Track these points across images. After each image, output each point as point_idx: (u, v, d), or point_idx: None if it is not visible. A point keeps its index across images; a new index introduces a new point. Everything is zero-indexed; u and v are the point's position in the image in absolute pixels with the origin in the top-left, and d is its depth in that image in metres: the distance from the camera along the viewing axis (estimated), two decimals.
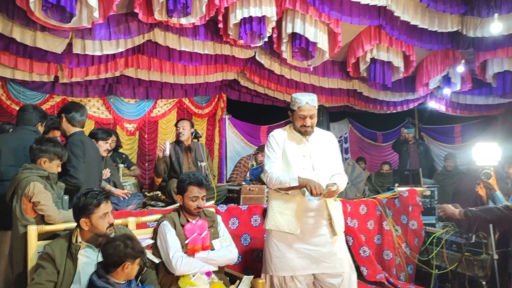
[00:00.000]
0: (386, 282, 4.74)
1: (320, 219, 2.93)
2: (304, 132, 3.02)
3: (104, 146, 4.54)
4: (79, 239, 2.44)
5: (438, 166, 9.20)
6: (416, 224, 5.43)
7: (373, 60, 6.47)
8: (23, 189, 2.78)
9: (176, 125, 4.93)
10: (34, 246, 2.52)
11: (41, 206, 2.78)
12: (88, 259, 2.44)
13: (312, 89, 7.46)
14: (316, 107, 3.05)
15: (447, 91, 7.43)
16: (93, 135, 4.48)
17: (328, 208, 2.93)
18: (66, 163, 3.22)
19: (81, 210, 2.40)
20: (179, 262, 2.64)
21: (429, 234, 5.48)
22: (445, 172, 7.29)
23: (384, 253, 5.04)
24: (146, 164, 7.94)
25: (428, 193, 5.98)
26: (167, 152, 4.46)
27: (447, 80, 7.19)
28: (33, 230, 2.54)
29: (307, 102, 2.97)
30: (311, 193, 2.73)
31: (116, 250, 2.19)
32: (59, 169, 3.07)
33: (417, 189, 5.77)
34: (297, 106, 2.99)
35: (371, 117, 10.09)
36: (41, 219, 2.83)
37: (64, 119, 3.42)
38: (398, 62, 6.41)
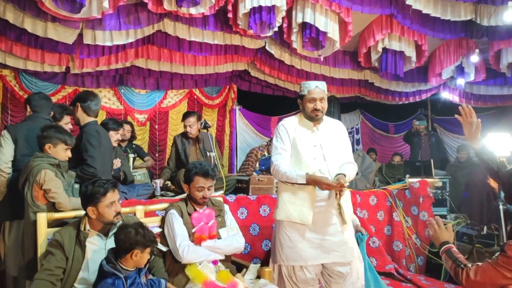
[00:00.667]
0: (395, 273, 4.73)
1: (330, 208, 2.91)
2: (315, 117, 2.96)
3: (114, 137, 4.60)
4: (87, 227, 2.47)
5: (451, 157, 9.11)
6: (427, 215, 5.39)
7: (385, 50, 6.39)
8: (34, 177, 2.83)
9: (183, 120, 4.94)
10: (43, 233, 2.55)
11: (52, 194, 2.82)
12: (97, 246, 2.47)
13: (323, 79, 7.40)
14: (326, 92, 3.02)
15: (460, 81, 7.31)
16: (104, 125, 4.53)
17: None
18: (83, 153, 3.28)
19: (88, 198, 2.43)
20: (186, 251, 2.65)
21: None
22: (457, 164, 7.22)
23: (394, 244, 5.02)
24: (157, 155, 8.00)
25: (439, 184, 5.94)
26: (158, 192, 4.46)
27: (460, 70, 7.08)
28: (42, 217, 2.57)
29: (317, 86, 2.96)
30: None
31: (127, 237, 2.20)
32: (68, 154, 3.10)
33: (429, 180, 5.72)
34: (307, 90, 2.96)
35: (383, 108, 10.00)
36: (52, 206, 2.88)
37: (79, 108, 3.45)
38: (410, 51, 6.32)
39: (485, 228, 4.87)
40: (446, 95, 8.57)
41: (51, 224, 2.66)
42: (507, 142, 4.37)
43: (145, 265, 2.35)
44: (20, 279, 2.99)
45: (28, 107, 3.60)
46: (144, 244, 2.23)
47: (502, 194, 4.74)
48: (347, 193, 3.03)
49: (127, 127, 5.63)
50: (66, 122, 3.82)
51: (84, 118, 3.47)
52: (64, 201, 2.86)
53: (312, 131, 3.01)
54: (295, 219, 2.85)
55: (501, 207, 4.39)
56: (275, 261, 3.01)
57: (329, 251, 2.89)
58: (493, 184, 4.59)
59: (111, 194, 2.44)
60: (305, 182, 2.78)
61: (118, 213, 2.49)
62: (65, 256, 2.37)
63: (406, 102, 8.86)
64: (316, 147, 2.96)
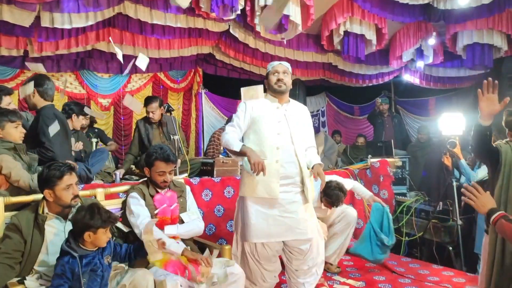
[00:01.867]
0: None
1: (294, 186, 2.98)
2: (278, 88, 3.03)
3: (81, 121, 4.58)
4: (46, 210, 2.47)
5: (413, 138, 9.39)
6: (387, 193, 5.59)
7: (346, 33, 6.48)
8: None
9: (145, 106, 4.88)
10: (1, 217, 2.52)
11: (14, 177, 2.82)
12: (55, 229, 2.47)
13: (287, 62, 7.44)
14: (290, 71, 3.13)
15: (420, 64, 7.50)
16: (70, 110, 4.48)
17: (302, 175, 3.00)
18: (40, 136, 3.27)
19: (44, 181, 2.42)
20: None
21: (399, 203, 5.65)
22: (418, 144, 7.46)
23: (356, 222, 5.17)
24: (122, 139, 7.91)
25: (399, 163, 6.14)
26: (117, 181, 4.44)
27: (420, 53, 7.25)
28: None
29: (280, 63, 3.14)
30: (253, 170, 2.72)
31: (79, 219, 2.22)
32: (21, 130, 3.08)
33: (389, 160, 5.91)
34: (271, 67, 3.11)
35: (348, 91, 10.13)
36: (14, 190, 2.86)
37: (36, 93, 3.43)
38: (371, 35, 6.43)
39: (440, 204, 5.09)
40: (407, 77, 8.77)
41: (11, 208, 2.64)
42: (459, 122, 4.58)
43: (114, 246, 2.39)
44: None
45: None
46: (95, 226, 2.23)
47: (456, 172, 4.97)
48: (309, 172, 3.12)
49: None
50: (6, 103, 3.68)
51: (40, 103, 3.48)
52: (27, 180, 2.84)
53: (277, 107, 3.06)
54: (263, 194, 2.90)
55: (454, 183, 4.59)
56: (243, 239, 3.05)
57: (292, 229, 2.96)
58: (447, 162, 4.78)
59: (67, 177, 2.44)
60: (238, 150, 2.83)
61: (76, 196, 2.49)
62: (23, 240, 2.36)
63: (370, 84, 9.01)
64: (280, 123, 3.01)
